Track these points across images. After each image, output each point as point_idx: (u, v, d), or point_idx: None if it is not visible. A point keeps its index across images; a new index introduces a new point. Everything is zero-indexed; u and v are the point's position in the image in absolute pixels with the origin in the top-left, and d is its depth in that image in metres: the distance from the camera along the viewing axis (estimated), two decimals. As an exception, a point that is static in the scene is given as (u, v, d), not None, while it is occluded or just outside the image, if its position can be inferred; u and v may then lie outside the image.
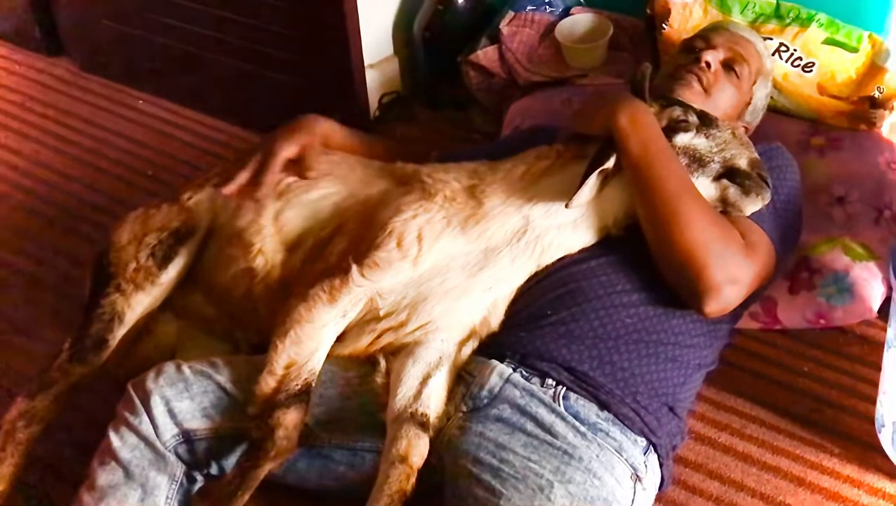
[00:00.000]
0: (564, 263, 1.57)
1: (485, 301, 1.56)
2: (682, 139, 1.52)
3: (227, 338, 1.72)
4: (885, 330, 1.67)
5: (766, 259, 1.54)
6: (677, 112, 1.54)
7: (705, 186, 1.50)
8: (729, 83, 1.73)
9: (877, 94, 1.92)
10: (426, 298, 1.52)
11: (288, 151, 1.67)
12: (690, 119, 1.53)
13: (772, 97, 1.89)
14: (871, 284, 1.79)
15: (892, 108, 1.94)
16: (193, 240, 1.66)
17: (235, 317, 1.68)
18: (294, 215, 1.62)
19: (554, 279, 1.56)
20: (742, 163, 1.51)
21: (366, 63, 2.45)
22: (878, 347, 1.77)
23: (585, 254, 1.57)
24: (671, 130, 1.52)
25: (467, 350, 1.56)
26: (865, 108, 1.94)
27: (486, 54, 2.41)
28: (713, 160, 1.50)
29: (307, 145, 1.69)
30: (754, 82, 1.78)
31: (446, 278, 1.51)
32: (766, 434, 1.72)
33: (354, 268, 1.49)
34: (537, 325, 1.53)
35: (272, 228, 1.62)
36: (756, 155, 1.54)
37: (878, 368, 1.66)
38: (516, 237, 1.53)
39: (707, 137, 1.52)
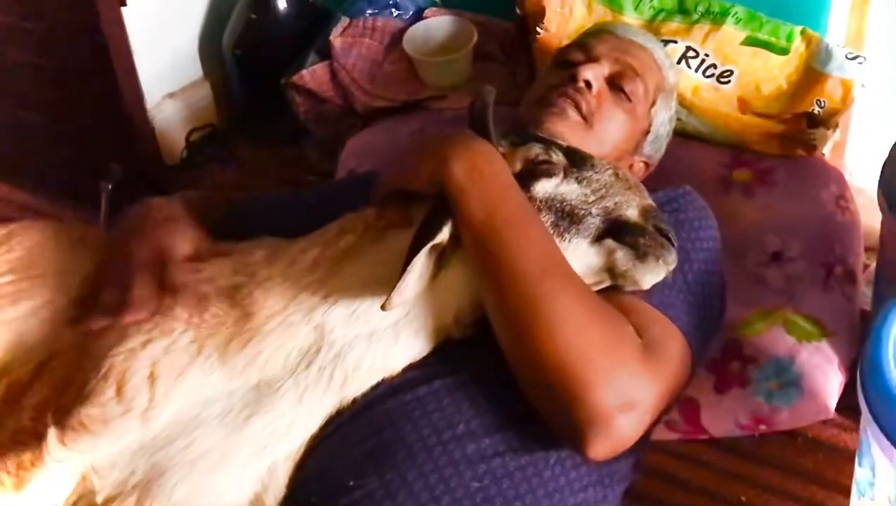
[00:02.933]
0: (380, 395, 1.12)
1: (257, 469, 1.10)
2: (545, 188, 1.14)
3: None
4: (851, 430, 1.40)
5: (677, 364, 1.14)
6: (535, 150, 1.16)
7: (582, 253, 1.12)
8: (618, 108, 1.38)
9: (816, 110, 1.64)
10: (164, 472, 1.08)
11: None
12: (554, 158, 1.15)
13: (679, 119, 1.59)
14: (825, 373, 1.46)
15: (837, 126, 1.67)
16: None
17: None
18: None
19: (362, 424, 1.11)
20: (631, 213, 1.14)
21: (164, 92, 2.13)
22: (840, 456, 1.48)
23: (412, 375, 1.13)
24: (528, 176, 1.14)
25: (229, 549, 1.10)
26: (802, 127, 1.66)
27: (313, 74, 2.06)
28: (590, 213, 1.13)
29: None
30: (653, 103, 1.43)
31: (195, 438, 1.07)
32: None
33: (52, 432, 1.05)
34: (334, 505, 1.05)
35: None
36: (649, 201, 1.17)
37: (844, 489, 1.31)
38: (305, 361, 1.10)
39: (579, 182, 1.15)
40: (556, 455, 1.11)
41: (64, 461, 1.06)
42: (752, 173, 1.67)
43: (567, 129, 1.32)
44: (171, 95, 2.19)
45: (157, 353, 1.08)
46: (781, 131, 1.66)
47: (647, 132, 1.43)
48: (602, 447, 1.03)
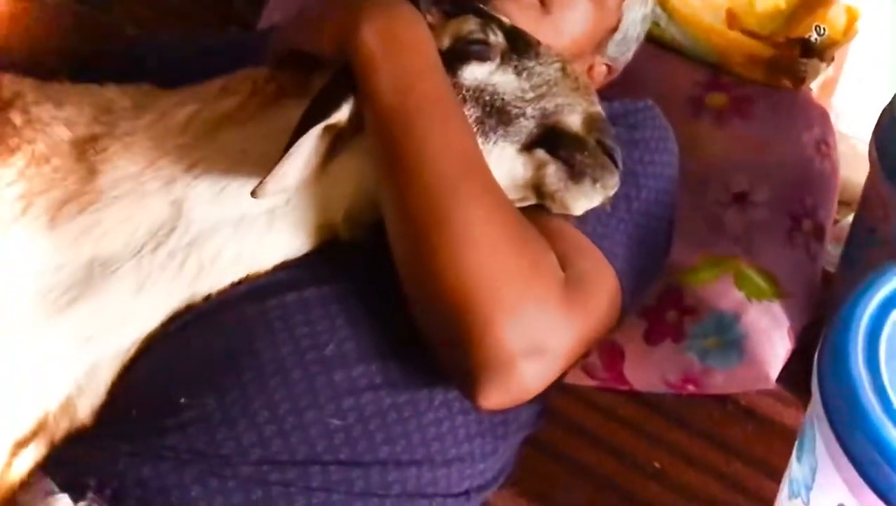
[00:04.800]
0: (239, 295, 0.95)
1: (74, 365, 0.93)
2: (474, 74, 0.97)
3: None
4: (789, 404, 1.30)
5: (603, 306, 0.98)
6: (470, 26, 0.99)
7: (507, 161, 0.96)
8: None
9: (814, 38, 1.48)
10: None
11: None
12: (492, 39, 0.98)
13: (655, 24, 1.45)
14: (771, 337, 1.32)
15: (832, 60, 1.51)
16: None
17: None
18: None
19: (211, 328, 0.94)
20: (573, 121, 0.98)
21: None
22: (773, 431, 1.35)
23: (283, 277, 0.96)
24: (457, 56, 0.97)
25: (23, 464, 0.92)
26: (794, 55, 1.49)
27: None
28: (524, 113, 0.96)
29: None
30: None
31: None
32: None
33: None
34: (160, 426, 0.90)
35: None
36: (598, 108, 1.00)
37: (773, 471, 1.18)
38: (153, 242, 0.93)
39: (518, 73, 0.99)
40: (442, 396, 0.95)
41: None
42: (728, 99, 1.53)
43: (518, 9, 1.13)
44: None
45: None
46: (770, 56, 1.50)
47: (615, 29, 1.25)
48: (497, 397, 0.87)
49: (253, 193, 0.88)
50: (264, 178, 0.87)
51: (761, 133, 1.48)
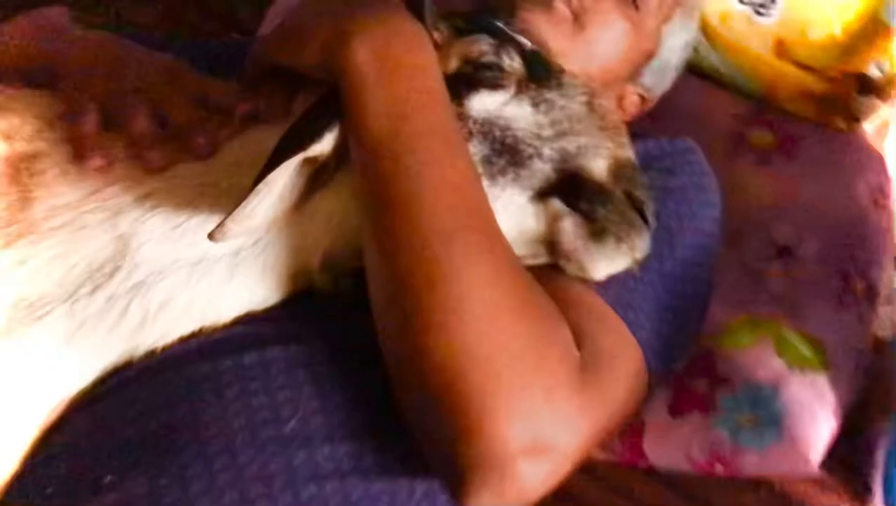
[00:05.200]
0: (189, 352, 0.82)
1: None
2: (484, 104, 0.85)
3: None
4: (831, 491, 1.18)
5: (624, 391, 0.84)
6: (481, 46, 0.87)
7: (516, 210, 0.83)
8: (619, 13, 1.09)
9: (874, 73, 1.41)
10: None
11: None
12: (507, 63, 0.86)
13: (695, 50, 1.36)
14: (815, 416, 1.21)
15: (892, 99, 1.44)
16: None
17: None
18: None
19: (153, 390, 0.81)
20: (597, 166, 0.85)
21: None
22: None
23: (243, 332, 0.84)
24: (465, 82, 0.85)
25: None
26: (849, 91, 1.43)
27: None
28: (540, 153, 0.84)
29: None
30: (667, 19, 1.15)
31: None
32: None
33: None
34: (78, 501, 0.76)
35: None
36: (629, 153, 0.88)
37: None
38: (92, 283, 0.81)
39: (535, 106, 0.86)
40: (426, 486, 0.81)
41: None
42: (775, 138, 1.45)
43: (549, 23, 1.01)
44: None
45: None
46: (823, 91, 1.43)
47: (653, 55, 1.14)
48: (489, 500, 0.73)
49: (211, 236, 0.75)
50: (226, 218, 0.74)
51: (809, 178, 1.40)
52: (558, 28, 1.02)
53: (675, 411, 1.23)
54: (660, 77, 1.18)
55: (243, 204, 0.73)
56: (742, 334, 1.27)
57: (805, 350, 1.26)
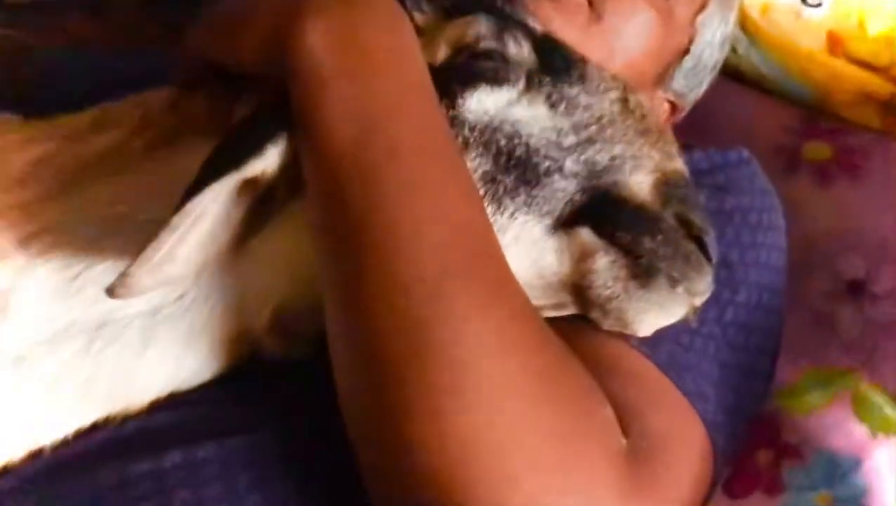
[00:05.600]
0: (88, 452, 0.64)
1: None
2: (485, 104, 0.68)
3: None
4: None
5: (688, 485, 0.67)
6: (479, 29, 0.70)
7: (531, 245, 0.66)
8: (644, 2, 0.96)
9: None
10: None
11: None
12: (512, 51, 0.70)
13: (733, 50, 1.23)
14: None
15: None
16: None
17: None
18: None
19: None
20: (638, 183, 0.68)
21: None
22: None
23: (165, 421, 0.66)
24: (458, 76, 0.68)
25: None
26: None
27: None
28: (561, 167, 0.67)
29: None
30: (701, 8, 1.02)
31: None
32: None
33: None
34: None
35: None
36: (679, 164, 0.72)
37: None
38: None
39: (553, 106, 0.69)
40: None
41: None
42: (833, 151, 1.29)
43: (559, 14, 0.86)
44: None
45: None
46: (888, 94, 1.28)
47: (685, 53, 0.99)
48: None
49: (110, 290, 0.57)
50: (130, 266, 0.57)
51: (878, 198, 1.24)
52: (571, 18, 0.88)
53: (734, 491, 1.06)
54: (693, 79, 1.03)
55: (155, 244, 0.56)
56: (811, 393, 1.11)
57: (890, 411, 1.09)
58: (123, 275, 0.56)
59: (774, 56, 1.33)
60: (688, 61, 1.01)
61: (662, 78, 0.99)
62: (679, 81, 1.02)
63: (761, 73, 1.33)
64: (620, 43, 0.92)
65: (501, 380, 0.53)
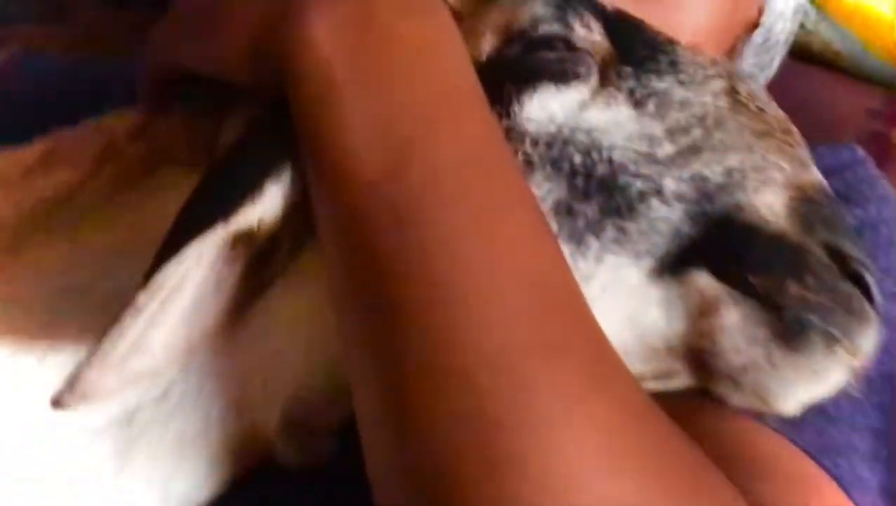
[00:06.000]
0: None
1: None
2: (551, 108, 0.52)
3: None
4: None
5: None
6: (536, 10, 0.54)
7: (628, 293, 0.48)
8: None
9: None
10: None
11: None
12: (581, 35, 0.54)
13: (802, 24, 1.07)
14: None
15: None
16: None
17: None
18: None
19: None
20: (766, 204, 0.50)
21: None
22: None
23: None
24: (513, 74, 0.52)
25: None
26: None
27: None
28: (660, 190, 0.50)
29: None
30: None
31: None
32: None
33: None
34: None
35: None
36: (815, 174, 0.53)
37: None
38: None
39: (640, 105, 0.53)
40: None
41: None
42: None
43: None
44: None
45: None
46: None
47: (755, 25, 0.88)
48: None
49: (57, 400, 0.43)
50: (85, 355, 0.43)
51: None
52: None
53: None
54: (765, 56, 0.93)
55: (115, 332, 0.42)
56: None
57: None
58: (73, 376, 0.41)
59: (851, 27, 1.18)
60: (758, 36, 0.89)
61: (730, 55, 0.85)
62: (749, 59, 0.91)
63: (835, 50, 1.17)
64: (680, 16, 0.77)
65: (603, 475, 0.38)
